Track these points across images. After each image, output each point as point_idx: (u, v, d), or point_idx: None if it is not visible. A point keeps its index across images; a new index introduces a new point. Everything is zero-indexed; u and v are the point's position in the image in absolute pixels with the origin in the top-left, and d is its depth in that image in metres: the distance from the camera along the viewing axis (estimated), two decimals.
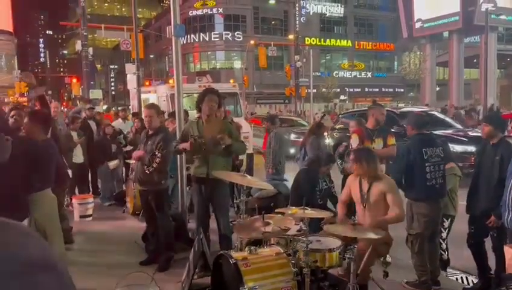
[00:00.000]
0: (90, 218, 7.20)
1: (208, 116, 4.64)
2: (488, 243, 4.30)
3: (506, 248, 3.36)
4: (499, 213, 3.80)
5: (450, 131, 10.41)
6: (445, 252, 4.69)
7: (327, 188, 5.38)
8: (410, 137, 4.58)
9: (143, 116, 5.25)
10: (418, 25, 36.92)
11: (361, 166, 4.10)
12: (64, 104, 51.54)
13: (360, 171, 4.16)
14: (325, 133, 7.04)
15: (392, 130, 9.95)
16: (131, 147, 8.15)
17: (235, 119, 8.72)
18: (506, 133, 4.39)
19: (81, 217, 7.06)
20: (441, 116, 12.80)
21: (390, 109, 11.86)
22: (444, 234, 4.66)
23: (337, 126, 13.70)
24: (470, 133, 10.49)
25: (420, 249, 4.35)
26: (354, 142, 5.44)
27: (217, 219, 4.82)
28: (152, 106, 5.37)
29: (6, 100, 32.96)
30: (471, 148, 9.49)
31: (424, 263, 4.34)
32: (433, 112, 12.88)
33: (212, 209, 4.91)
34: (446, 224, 4.65)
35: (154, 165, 4.83)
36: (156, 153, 4.84)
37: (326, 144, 7.21)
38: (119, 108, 16.12)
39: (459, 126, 11.56)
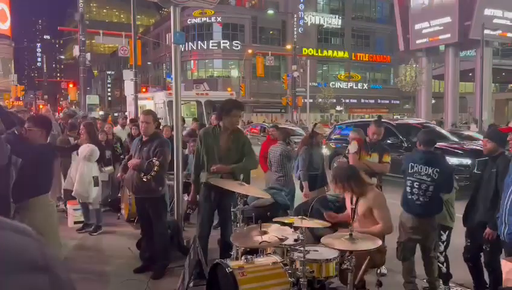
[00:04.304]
0: None
1: (228, 128, 4.62)
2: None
3: (503, 262, 3.34)
4: (495, 225, 3.79)
5: (445, 143, 10.42)
6: (443, 265, 4.66)
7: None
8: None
9: (139, 122, 5.15)
10: (414, 38, 37.19)
11: (337, 186, 4.13)
12: (60, 109, 51.27)
13: (337, 191, 4.18)
14: (321, 141, 6.94)
15: (389, 141, 10.04)
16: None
17: None
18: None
19: (75, 223, 7.00)
20: (438, 128, 12.83)
21: (387, 120, 11.91)
22: (441, 247, 4.64)
23: (333, 136, 13.72)
24: (466, 146, 10.52)
25: (404, 257, 4.40)
26: (352, 148, 5.40)
27: (222, 226, 4.80)
28: (150, 112, 5.30)
29: (1, 103, 32.84)
30: (467, 161, 9.51)
31: (409, 272, 4.37)
32: (429, 124, 12.93)
33: (219, 216, 4.91)
34: (444, 237, 4.63)
35: (152, 174, 4.73)
36: (154, 160, 4.76)
37: (322, 153, 7.05)
38: (116, 114, 16.08)
39: (455, 138, 11.59)
